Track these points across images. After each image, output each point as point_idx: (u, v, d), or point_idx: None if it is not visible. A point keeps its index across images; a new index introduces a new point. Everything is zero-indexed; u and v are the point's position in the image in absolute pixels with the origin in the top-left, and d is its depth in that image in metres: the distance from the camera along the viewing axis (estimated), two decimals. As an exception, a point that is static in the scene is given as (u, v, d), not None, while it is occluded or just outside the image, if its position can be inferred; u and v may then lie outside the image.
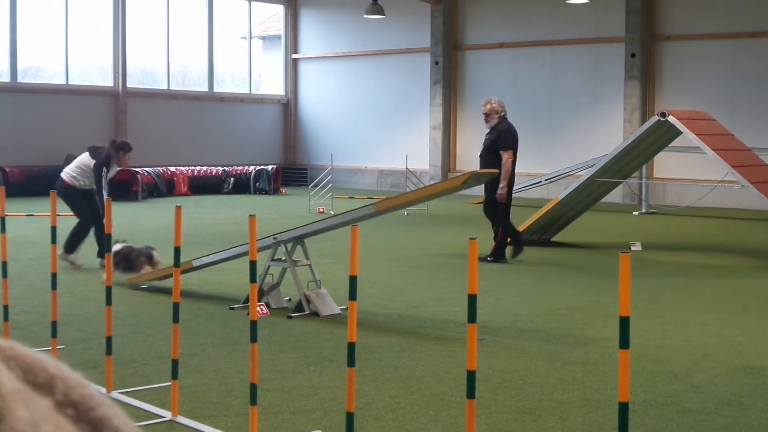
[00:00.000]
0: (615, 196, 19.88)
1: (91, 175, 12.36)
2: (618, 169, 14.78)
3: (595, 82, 24.73)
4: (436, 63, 27.08)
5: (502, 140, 12.69)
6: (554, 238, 15.18)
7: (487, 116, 13.06)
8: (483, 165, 12.83)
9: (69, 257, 11.98)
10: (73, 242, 12.17)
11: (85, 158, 12.72)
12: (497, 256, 12.62)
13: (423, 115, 27.56)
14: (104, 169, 12.32)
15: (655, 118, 13.71)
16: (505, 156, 12.56)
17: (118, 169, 13.23)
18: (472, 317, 4.30)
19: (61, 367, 0.46)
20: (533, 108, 25.60)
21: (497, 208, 12.70)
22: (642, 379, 6.68)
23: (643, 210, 21.12)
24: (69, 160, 24.10)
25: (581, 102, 24.97)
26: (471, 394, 4.30)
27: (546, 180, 23.09)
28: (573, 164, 22.49)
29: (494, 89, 26.38)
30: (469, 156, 26.93)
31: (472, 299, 4.31)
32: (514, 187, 13.45)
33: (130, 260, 10.58)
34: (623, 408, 3.97)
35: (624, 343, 4.00)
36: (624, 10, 23.75)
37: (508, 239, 12.78)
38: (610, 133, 23.83)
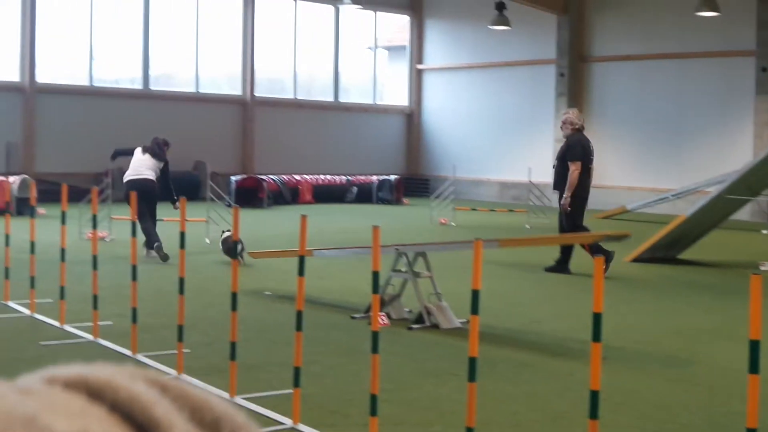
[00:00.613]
0: (743, 213, 19.30)
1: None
2: (747, 186, 14.34)
3: (725, 97, 24.06)
4: (561, 75, 26.76)
5: (571, 151, 12.75)
6: (680, 256, 14.80)
7: (562, 126, 13.14)
8: (556, 175, 12.99)
9: (152, 252, 13.09)
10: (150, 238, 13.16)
11: (149, 159, 14.07)
12: (562, 264, 12.68)
13: (546, 128, 27.24)
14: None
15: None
16: (573, 167, 12.59)
17: None
18: (596, 336, 4.24)
19: (226, 407, 0.45)
20: (660, 122, 25.10)
21: (567, 223, 12.76)
22: (772, 404, 6.46)
23: (774, 228, 20.43)
24: (198, 166, 24.79)
25: (710, 116, 24.33)
26: (594, 414, 4.23)
27: (673, 196, 22.54)
28: (701, 180, 21.92)
29: (620, 102, 26.02)
30: (596, 170, 26.51)
31: (596, 318, 4.24)
32: (588, 199, 13.23)
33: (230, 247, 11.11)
34: (753, 436, 3.85)
35: (754, 367, 3.88)
36: (755, 22, 23.06)
37: (586, 249, 12.45)
38: (739, 149, 23.15)
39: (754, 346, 3.88)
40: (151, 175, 13.76)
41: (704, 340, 8.70)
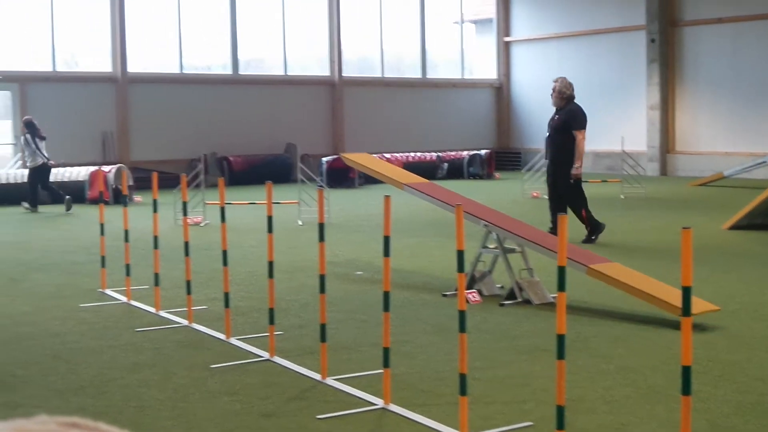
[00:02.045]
0: None
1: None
2: None
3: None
4: (652, 41, 26.21)
5: (576, 120, 12.50)
6: (781, 222, 14.41)
7: (554, 96, 12.76)
8: (553, 146, 12.68)
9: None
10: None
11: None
12: (593, 232, 12.57)
13: (639, 96, 26.77)
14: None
15: None
16: (580, 135, 12.43)
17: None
18: (686, 310, 4.12)
19: None
20: (755, 84, 24.45)
21: (566, 194, 12.54)
22: None
23: None
24: (288, 149, 25.00)
25: (810, 77, 23.61)
26: (687, 390, 4.13)
27: (771, 160, 21.96)
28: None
29: (714, 66, 25.39)
30: (689, 136, 26.01)
31: (686, 291, 4.13)
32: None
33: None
34: None
35: None
36: None
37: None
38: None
39: None
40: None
41: (806, 309, 8.45)
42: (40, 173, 18.18)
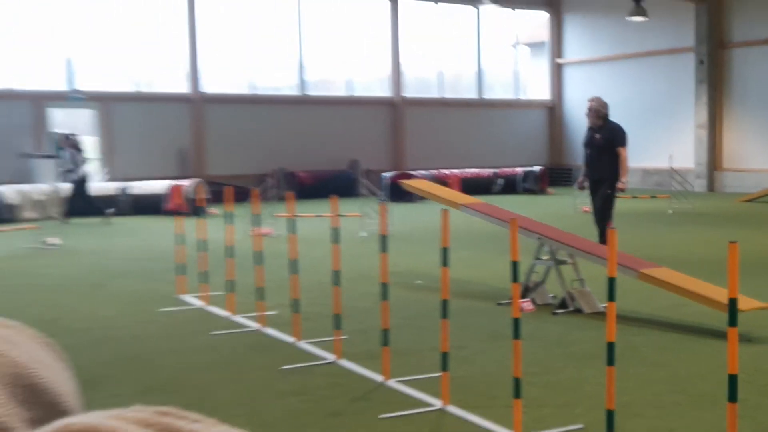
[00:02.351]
0: None
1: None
2: None
3: None
4: (701, 62, 25.91)
5: (619, 138, 12.16)
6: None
7: (590, 115, 12.32)
8: (597, 163, 12.17)
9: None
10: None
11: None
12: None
13: (687, 115, 26.47)
14: None
15: None
16: (624, 152, 12.11)
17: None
18: (732, 321, 4.08)
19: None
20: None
21: (603, 206, 12.14)
22: None
23: None
24: (352, 165, 25.10)
25: None
26: (733, 397, 4.09)
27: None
28: None
29: (762, 86, 24.99)
30: (736, 154, 25.62)
31: (732, 303, 4.10)
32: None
33: None
34: None
35: None
36: None
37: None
38: None
39: None
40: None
41: None
42: (83, 185, 18.39)
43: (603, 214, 12.07)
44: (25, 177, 20.92)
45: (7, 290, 10.42)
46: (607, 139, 12.13)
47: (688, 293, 7.91)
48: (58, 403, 0.55)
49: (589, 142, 12.37)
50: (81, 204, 18.29)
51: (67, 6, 22.54)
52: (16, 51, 22.17)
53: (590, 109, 12.27)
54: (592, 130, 12.31)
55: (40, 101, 22.27)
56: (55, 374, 0.57)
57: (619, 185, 12.09)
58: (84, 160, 18.37)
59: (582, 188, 12.64)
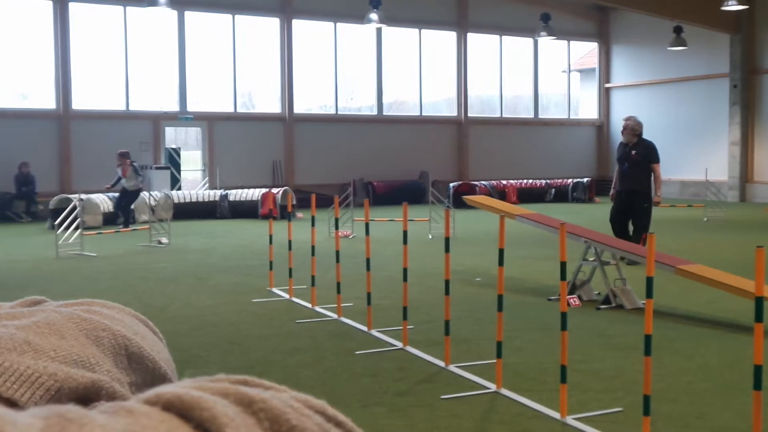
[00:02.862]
0: None
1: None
2: None
3: None
4: (735, 86, 25.33)
5: (654, 154, 11.77)
6: None
7: (626, 132, 11.90)
8: (634, 177, 11.72)
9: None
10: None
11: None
12: None
13: (721, 133, 25.90)
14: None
15: None
16: (659, 168, 11.77)
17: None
18: (758, 317, 3.97)
19: (302, 417, 0.43)
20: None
21: (641, 219, 11.66)
22: None
23: None
24: (422, 176, 25.08)
25: None
26: (758, 385, 3.97)
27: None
28: None
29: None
30: (766, 168, 24.98)
31: (758, 300, 3.98)
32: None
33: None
34: None
35: None
36: None
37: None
38: None
39: None
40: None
41: None
42: (135, 196, 17.85)
43: (641, 226, 11.67)
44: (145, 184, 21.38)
45: (126, 281, 10.65)
46: (642, 155, 11.78)
47: (721, 285, 7.72)
48: (154, 368, 0.57)
49: (625, 158, 11.95)
50: (123, 212, 17.80)
51: (178, 38, 22.98)
52: (138, 79, 22.67)
53: (626, 127, 11.95)
54: (626, 146, 11.94)
55: (157, 121, 22.73)
56: (151, 344, 0.59)
57: (656, 199, 11.79)
58: (139, 176, 17.83)
59: (613, 200, 12.17)
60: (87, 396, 0.49)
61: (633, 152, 11.82)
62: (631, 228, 11.94)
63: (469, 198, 11.08)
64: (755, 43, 25.20)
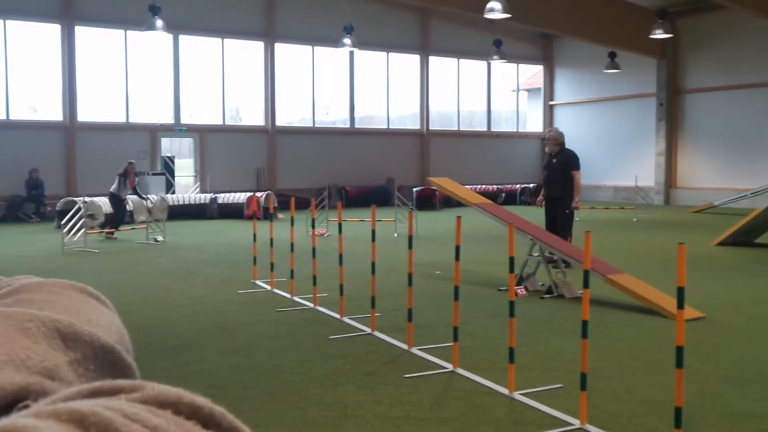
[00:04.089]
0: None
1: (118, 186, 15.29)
2: (814, 185, 13.29)
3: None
4: (661, 104, 25.62)
5: (573, 162, 11.10)
6: (758, 240, 13.90)
7: (548, 143, 11.38)
8: (553, 184, 11.16)
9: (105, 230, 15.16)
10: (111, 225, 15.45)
11: (116, 180, 15.42)
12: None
13: (649, 145, 26.18)
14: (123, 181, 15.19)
15: None
16: (578, 175, 11.05)
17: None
18: (680, 304, 4.01)
19: (129, 425, 0.41)
20: (741, 136, 23.68)
21: (564, 223, 10.95)
22: (831, 357, 5.96)
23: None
24: (389, 181, 25.06)
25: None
26: (680, 364, 4.01)
27: (751, 194, 21.22)
28: (775, 181, 20.57)
29: (709, 123, 24.65)
30: (687, 175, 25.29)
31: (680, 290, 4.02)
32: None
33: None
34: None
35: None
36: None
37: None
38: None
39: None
40: (113, 188, 15.45)
41: (776, 306, 8.12)
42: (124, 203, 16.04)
43: (564, 230, 10.99)
44: (140, 189, 21.14)
45: (126, 275, 10.53)
46: (562, 163, 11.19)
47: (644, 300, 7.79)
48: (93, 342, 0.53)
49: (548, 166, 11.44)
50: (118, 217, 15.89)
51: (173, 58, 22.78)
52: (137, 94, 22.42)
53: (549, 138, 11.40)
54: (550, 155, 11.39)
55: (154, 132, 22.50)
56: (90, 317, 0.55)
57: (573, 204, 11.05)
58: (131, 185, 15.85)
59: (541, 206, 11.59)
60: (16, 399, 0.45)
61: (554, 161, 11.30)
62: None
63: (433, 180, 10.84)
64: (679, 67, 25.50)
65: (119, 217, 15.78)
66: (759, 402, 4.97)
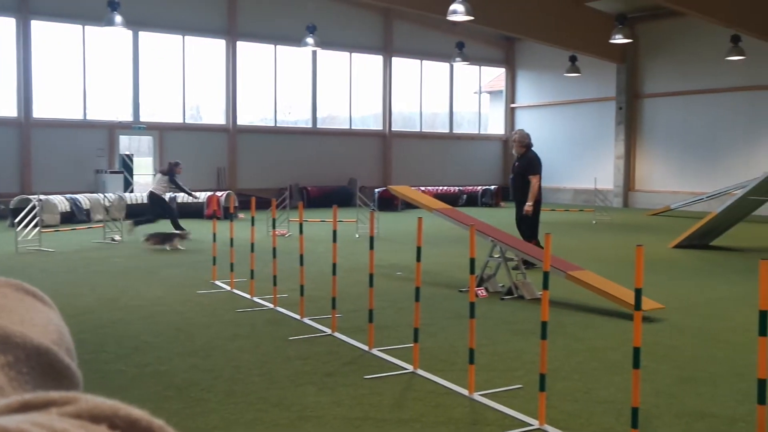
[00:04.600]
0: (764, 210, 18.30)
1: (166, 185, 14.56)
2: (767, 190, 13.60)
3: (748, 121, 22.94)
4: (620, 108, 25.99)
5: (532, 166, 10.95)
6: (712, 243, 14.17)
7: (514, 145, 11.24)
8: (516, 188, 11.14)
9: (134, 229, 14.58)
10: (141, 223, 14.71)
11: (159, 177, 14.81)
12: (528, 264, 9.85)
13: (608, 148, 26.55)
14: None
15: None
16: (535, 180, 10.86)
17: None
18: (638, 305, 4.07)
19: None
20: (697, 141, 24.13)
21: (528, 226, 10.94)
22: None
23: (789, 221, 19.35)
24: (350, 182, 25.04)
25: (736, 137, 23.23)
26: (637, 365, 4.07)
27: (707, 197, 21.64)
28: (729, 185, 21.00)
29: (666, 127, 25.07)
30: (645, 178, 25.69)
31: (637, 291, 4.08)
32: (541, 204, 11.30)
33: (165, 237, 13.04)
34: (762, 384, 3.63)
35: (762, 331, 3.65)
36: (774, 63, 21.97)
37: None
38: (760, 161, 22.05)
39: (763, 316, 3.66)
40: (154, 188, 14.68)
41: (729, 308, 8.28)
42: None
43: (528, 233, 11.00)
44: (97, 187, 20.86)
45: (81, 275, 10.36)
46: (523, 167, 11.10)
47: (603, 293, 7.91)
48: (24, 343, 0.50)
49: (512, 169, 11.47)
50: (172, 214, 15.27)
51: (133, 55, 22.48)
52: (95, 91, 22.07)
53: (514, 140, 11.28)
54: (516, 157, 11.35)
55: (112, 129, 22.18)
56: (24, 318, 0.52)
57: (526, 208, 10.93)
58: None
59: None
60: None
61: (516, 163, 11.24)
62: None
63: (393, 188, 10.90)
64: (638, 72, 25.91)
65: (173, 213, 14.86)
66: (712, 401, 5.07)
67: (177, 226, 14.55)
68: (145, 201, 19.76)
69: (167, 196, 15.33)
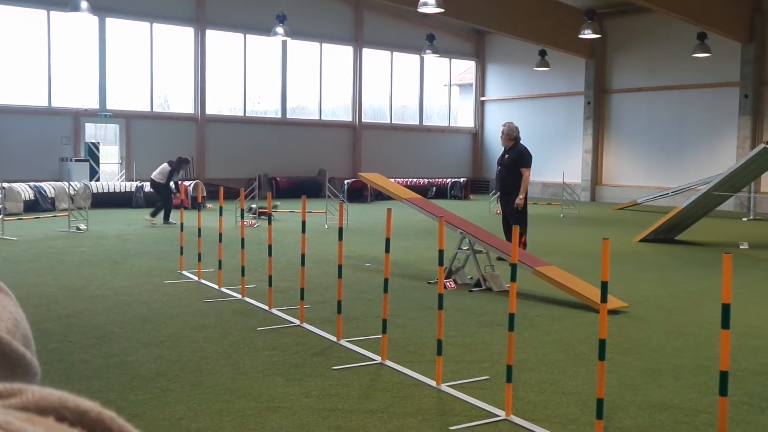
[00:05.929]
0: (728, 205, 18.67)
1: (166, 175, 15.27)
2: (731, 185, 13.82)
3: (714, 117, 23.27)
4: (588, 103, 26.21)
5: (523, 159, 11.12)
6: (678, 237, 14.38)
7: (503, 137, 11.30)
8: (504, 180, 11.22)
9: (152, 220, 15.25)
10: (156, 212, 15.38)
11: (164, 167, 15.42)
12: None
13: (576, 142, 26.78)
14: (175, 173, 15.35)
15: (761, 146, 12.73)
16: (527, 173, 11.04)
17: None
18: (603, 298, 4.11)
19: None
20: (663, 136, 24.42)
21: (516, 219, 10.90)
22: (745, 351, 6.21)
23: (751, 217, 19.69)
24: (320, 173, 24.97)
25: (702, 132, 23.56)
26: (602, 356, 4.11)
27: (672, 192, 21.95)
28: (694, 180, 21.32)
29: (633, 122, 25.33)
30: (613, 173, 25.95)
31: (603, 285, 4.12)
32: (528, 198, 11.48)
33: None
34: (724, 376, 3.69)
35: (725, 324, 3.71)
36: (738, 61, 22.28)
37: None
38: (725, 157, 22.41)
39: (725, 309, 3.72)
40: (156, 177, 15.37)
41: (693, 301, 8.41)
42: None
43: (518, 224, 10.80)
44: (62, 176, 20.55)
45: (45, 264, 10.21)
46: (513, 159, 11.24)
47: (569, 290, 7.98)
48: None
49: (500, 161, 11.53)
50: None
51: (99, 42, 22.14)
52: (60, 76, 21.71)
53: (503, 132, 11.39)
54: (504, 150, 11.45)
55: (78, 117, 21.86)
56: None
57: (517, 201, 11.09)
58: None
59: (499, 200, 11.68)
60: None
61: (506, 156, 11.33)
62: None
63: (364, 175, 10.80)
64: (606, 67, 26.14)
65: (169, 204, 15.40)
66: (675, 393, 5.14)
67: (167, 217, 15.27)
68: (113, 191, 19.55)
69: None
